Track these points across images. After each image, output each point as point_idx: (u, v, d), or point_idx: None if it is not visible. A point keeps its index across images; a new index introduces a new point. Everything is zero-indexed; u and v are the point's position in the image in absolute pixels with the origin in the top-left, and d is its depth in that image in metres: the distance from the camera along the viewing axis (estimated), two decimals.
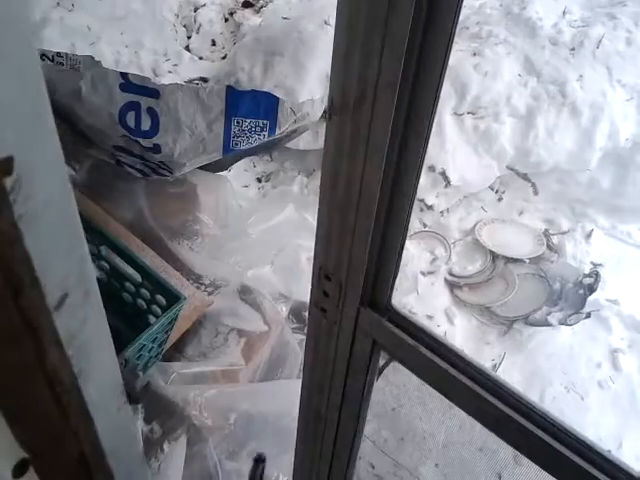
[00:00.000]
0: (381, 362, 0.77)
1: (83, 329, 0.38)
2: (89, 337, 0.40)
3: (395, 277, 0.68)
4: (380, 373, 0.76)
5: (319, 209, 0.70)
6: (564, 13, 2.83)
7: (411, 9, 0.50)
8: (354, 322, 0.72)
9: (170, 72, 2.78)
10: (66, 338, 0.36)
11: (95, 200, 1.99)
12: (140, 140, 1.87)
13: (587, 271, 2.65)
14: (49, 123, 0.29)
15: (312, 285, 0.76)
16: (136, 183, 2.09)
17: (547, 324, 2.38)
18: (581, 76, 2.58)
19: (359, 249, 0.66)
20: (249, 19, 3.05)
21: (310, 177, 2.88)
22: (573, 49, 2.66)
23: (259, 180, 2.89)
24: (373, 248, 0.66)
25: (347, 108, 0.58)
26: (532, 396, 0.65)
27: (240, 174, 2.86)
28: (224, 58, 3.04)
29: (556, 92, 2.57)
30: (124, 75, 1.80)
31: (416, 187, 0.62)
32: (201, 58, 2.98)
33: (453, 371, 0.66)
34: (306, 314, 2.23)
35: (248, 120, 1.89)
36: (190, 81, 2.80)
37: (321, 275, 0.74)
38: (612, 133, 2.57)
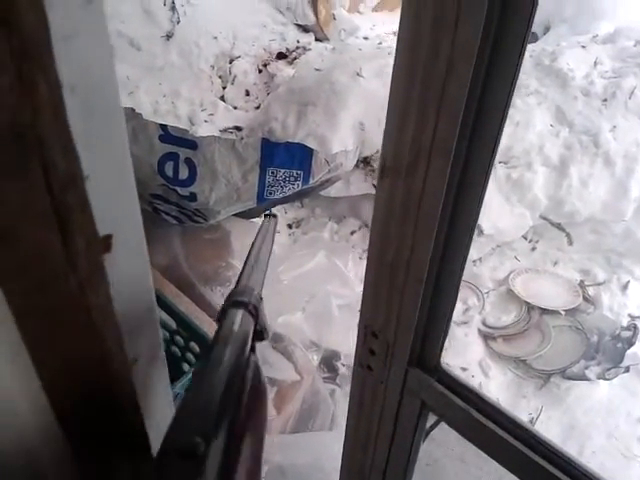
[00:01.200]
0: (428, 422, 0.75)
1: (150, 392, 0.39)
2: (156, 401, 0.40)
3: (445, 337, 0.67)
4: (427, 435, 0.74)
5: (367, 267, 0.70)
6: (595, 64, 2.84)
7: (469, 73, 0.50)
8: (402, 382, 0.70)
9: (206, 121, 2.85)
10: (140, 401, 0.37)
11: None
12: (178, 189, 1.91)
13: (625, 323, 2.58)
14: (135, 201, 0.30)
15: (357, 342, 0.76)
16: (172, 230, 2.13)
17: (585, 378, 2.31)
18: (614, 127, 2.57)
19: (408, 309, 0.65)
20: (282, 70, 3.13)
21: (340, 224, 2.90)
22: (605, 100, 2.66)
23: (290, 226, 2.91)
24: (423, 308, 0.65)
25: (399, 171, 0.58)
26: (571, 450, 0.63)
27: None
28: (257, 108, 3.11)
29: (589, 142, 2.56)
30: (163, 127, 1.85)
31: (468, 248, 0.61)
32: (235, 108, 3.05)
33: (506, 435, 0.64)
34: (338, 364, 2.21)
35: (282, 170, 1.92)
36: (225, 130, 2.86)
37: (367, 332, 0.73)
38: None
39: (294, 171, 1.93)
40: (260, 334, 0.50)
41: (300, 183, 1.95)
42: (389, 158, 0.59)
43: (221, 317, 0.48)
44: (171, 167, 1.88)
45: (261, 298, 0.53)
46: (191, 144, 1.88)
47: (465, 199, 0.58)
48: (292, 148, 1.96)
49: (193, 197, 1.93)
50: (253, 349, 0.47)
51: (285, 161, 1.92)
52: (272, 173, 1.92)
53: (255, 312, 0.49)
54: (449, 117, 0.53)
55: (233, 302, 0.49)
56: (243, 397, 0.39)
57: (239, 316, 0.47)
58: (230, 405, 0.36)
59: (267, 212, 0.87)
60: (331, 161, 1.95)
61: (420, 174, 0.57)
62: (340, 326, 2.26)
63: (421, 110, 0.55)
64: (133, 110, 1.84)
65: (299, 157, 1.93)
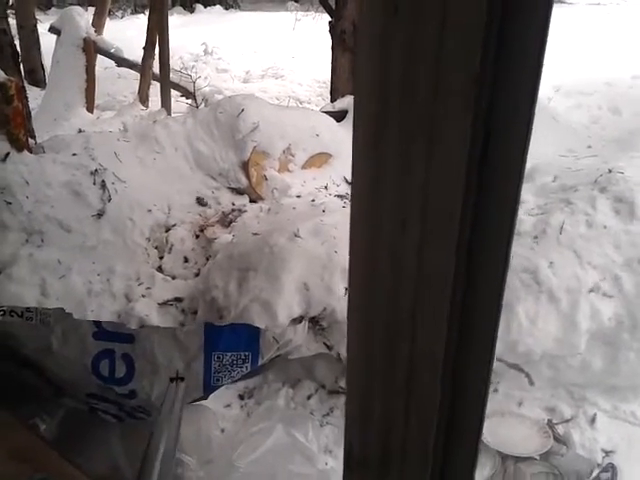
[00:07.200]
0: None
1: None
2: None
3: None
4: None
5: None
6: (520, 203, 2.96)
7: None
8: None
9: (144, 296, 2.74)
10: None
11: (67, 455, 1.82)
12: (115, 387, 1.77)
13: (599, 460, 2.48)
14: None
15: None
16: (111, 430, 1.93)
17: None
18: (551, 263, 2.62)
19: None
20: (219, 235, 3.11)
21: (296, 388, 2.75)
22: (536, 237, 2.74)
23: (241, 397, 2.73)
24: None
25: (368, 465, 0.49)
26: None
27: (220, 392, 2.70)
28: (197, 274, 3.04)
29: (530, 280, 2.59)
30: (97, 324, 1.75)
31: None
32: (174, 277, 2.97)
33: None
34: None
35: (229, 354, 1.81)
36: (165, 302, 2.76)
37: None
38: (594, 314, 2.55)
39: (241, 353, 1.82)
40: None
41: (249, 365, 1.84)
42: (356, 445, 0.50)
43: None
44: (107, 365, 1.75)
45: None
46: (128, 338, 1.76)
47: None
48: (237, 329, 1.87)
49: (132, 394, 1.79)
50: None
51: (231, 344, 1.82)
52: (218, 358, 1.81)
53: None
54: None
55: None
56: None
57: None
58: None
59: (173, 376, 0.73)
60: (280, 338, 1.86)
61: (395, 469, 0.48)
62: None
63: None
64: (63, 310, 1.73)
65: (245, 338, 1.84)
